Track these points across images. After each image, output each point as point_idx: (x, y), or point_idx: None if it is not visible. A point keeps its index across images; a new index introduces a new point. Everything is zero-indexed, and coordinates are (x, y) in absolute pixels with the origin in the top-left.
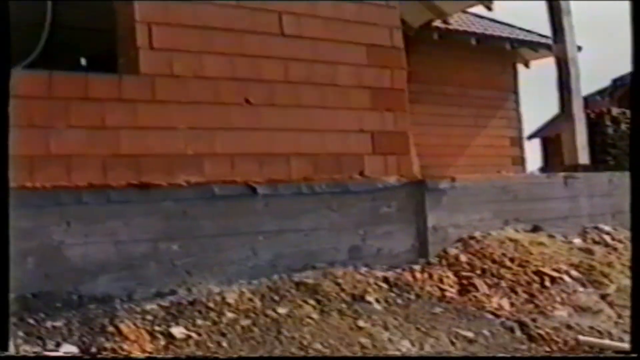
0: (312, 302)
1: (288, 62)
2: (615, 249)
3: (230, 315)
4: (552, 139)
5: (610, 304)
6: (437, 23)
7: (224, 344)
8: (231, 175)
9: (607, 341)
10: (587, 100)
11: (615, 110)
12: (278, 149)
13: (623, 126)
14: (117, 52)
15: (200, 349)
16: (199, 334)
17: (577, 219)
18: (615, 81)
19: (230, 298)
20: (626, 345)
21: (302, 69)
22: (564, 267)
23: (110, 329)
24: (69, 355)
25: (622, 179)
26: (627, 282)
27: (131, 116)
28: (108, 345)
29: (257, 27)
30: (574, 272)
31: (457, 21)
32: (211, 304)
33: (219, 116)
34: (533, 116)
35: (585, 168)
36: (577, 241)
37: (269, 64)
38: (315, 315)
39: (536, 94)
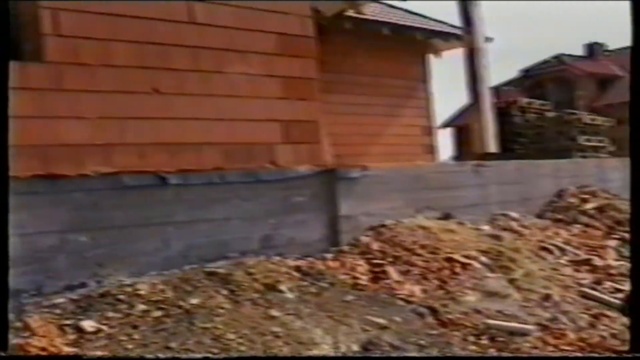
0: (224, 292)
1: (199, 51)
2: (522, 235)
3: (141, 307)
4: (463, 127)
5: (517, 288)
6: (351, 12)
7: (136, 336)
8: (142, 166)
9: (513, 324)
10: (498, 90)
11: (523, 100)
12: (189, 138)
13: (531, 115)
14: (20, 38)
15: (111, 341)
16: (110, 327)
17: (486, 206)
18: (523, 71)
19: (142, 289)
20: (530, 327)
21: (213, 57)
22: (474, 254)
23: (18, 324)
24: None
25: (530, 167)
26: (532, 267)
27: (37, 105)
28: (16, 341)
29: (168, 15)
30: (483, 258)
31: (371, 11)
32: (122, 296)
33: (129, 105)
34: (446, 105)
35: (494, 156)
36: (486, 228)
37: (179, 52)
38: (227, 305)
39: (449, 84)
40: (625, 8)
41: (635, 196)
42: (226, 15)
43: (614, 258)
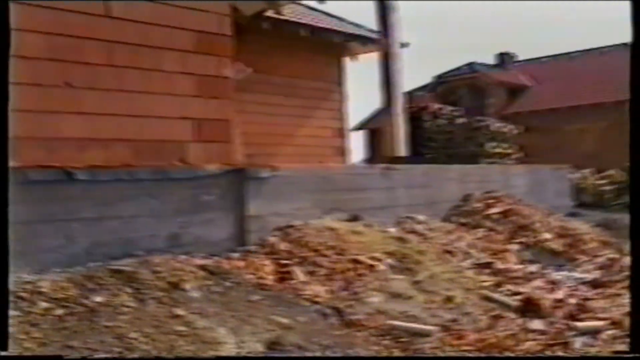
0: (128, 290)
1: (113, 45)
2: (427, 238)
3: (43, 304)
4: (376, 131)
5: (421, 290)
6: (270, 13)
7: (36, 334)
8: (49, 160)
9: (416, 325)
10: (411, 95)
11: (435, 106)
12: (99, 134)
13: (442, 121)
14: None
15: (10, 340)
16: (10, 325)
17: (394, 209)
18: (437, 77)
19: (44, 287)
20: (432, 328)
21: (127, 52)
22: (380, 255)
23: None
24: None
25: (438, 171)
26: (437, 269)
27: None
28: None
29: (82, 7)
30: (388, 260)
31: (290, 12)
32: (23, 294)
33: (37, 98)
34: (361, 108)
35: (404, 160)
36: (393, 230)
37: (93, 46)
38: (132, 304)
39: (365, 87)
40: (534, 21)
41: (635, 198)
42: (143, 11)
43: (515, 262)
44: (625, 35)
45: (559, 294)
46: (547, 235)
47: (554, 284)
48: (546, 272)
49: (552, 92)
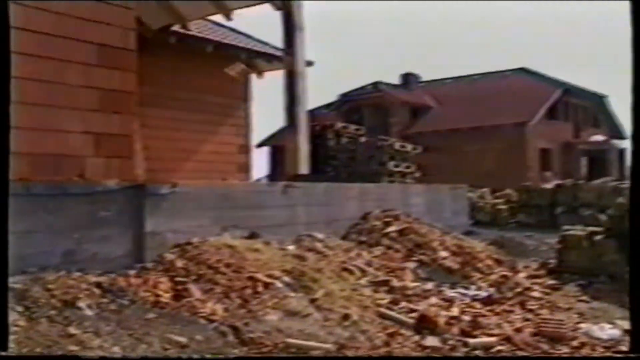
0: (19, 308)
1: (13, 56)
2: (326, 256)
3: None
4: (279, 148)
5: (318, 308)
6: (177, 27)
7: None
8: None
9: (312, 343)
10: (316, 113)
11: (338, 124)
12: None
13: (345, 139)
14: None
15: None
16: None
17: (293, 227)
18: (342, 96)
19: None
20: (329, 346)
21: (27, 64)
22: (277, 273)
23: None
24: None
25: (338, 190)
26: (334, 287)
27: None
28: None
29: None
30: (286, 278)
31: (197, 27)
32: None
33: None
34: (265, 125)
35: (305, 178)
36: (292, 248)
37: None
38: (22, 323)
39: (269, 104)
40: (438, 43)
41: (635, 205)
42: (45, 21)
43: (411, 279)
44: (524, 60)
45: (454, 311)
46: (444, 254)
47: (449, 301)
48: (441, 289)
49: (454, 113)
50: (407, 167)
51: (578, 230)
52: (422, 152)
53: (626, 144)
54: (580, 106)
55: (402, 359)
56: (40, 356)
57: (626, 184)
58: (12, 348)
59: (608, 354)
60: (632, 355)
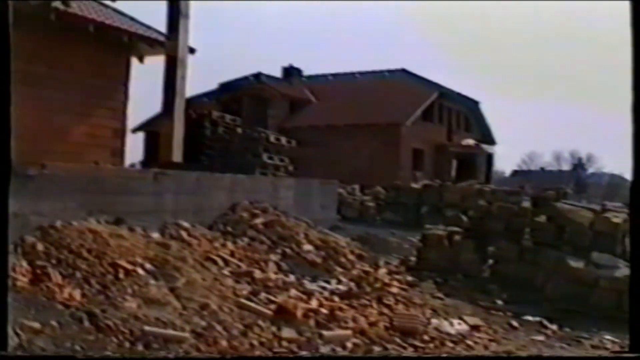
0: None
1: None
2: (190, 245)
3: None
4: (154, 134)
5: (178, 297)
6: (57, 4)
7: None
8: None
9: (169, 331)
10: (194, 101)
11: (215, 114)
12: None
13: (221, 129)
14: None
15: None
16: None
17: (160, 214)
18: (222, 85)
19: None
20: (186, 334)
21: None
22: (140, 260)
23: None
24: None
25: (209, 180)
26: (196, 276)
27: None
28: None
29: None
30: (148, 265)
31: (78, 6)
32: None
33: None
34: (142, 109)
35: (179, 166)
36: (156, 235)
37: None
38: None
39: (148, 88)
40: (322, 38)
41: (635, 200)
42: None
43: (274, 271)
44: (404, 62)
45: (312, 304)
46: (308, 247)
47: (309, 294)
48: (303, 282)
49: (332, 109)
50: (281, 160)
51: (439, 230)
52: (298, 146)
53: (494, 149)
54: (454, 110)
55: (402, 359)
56: (40, 356)
57: (490, 187)
58: None
59: (459, 348)
60: (632, 355)
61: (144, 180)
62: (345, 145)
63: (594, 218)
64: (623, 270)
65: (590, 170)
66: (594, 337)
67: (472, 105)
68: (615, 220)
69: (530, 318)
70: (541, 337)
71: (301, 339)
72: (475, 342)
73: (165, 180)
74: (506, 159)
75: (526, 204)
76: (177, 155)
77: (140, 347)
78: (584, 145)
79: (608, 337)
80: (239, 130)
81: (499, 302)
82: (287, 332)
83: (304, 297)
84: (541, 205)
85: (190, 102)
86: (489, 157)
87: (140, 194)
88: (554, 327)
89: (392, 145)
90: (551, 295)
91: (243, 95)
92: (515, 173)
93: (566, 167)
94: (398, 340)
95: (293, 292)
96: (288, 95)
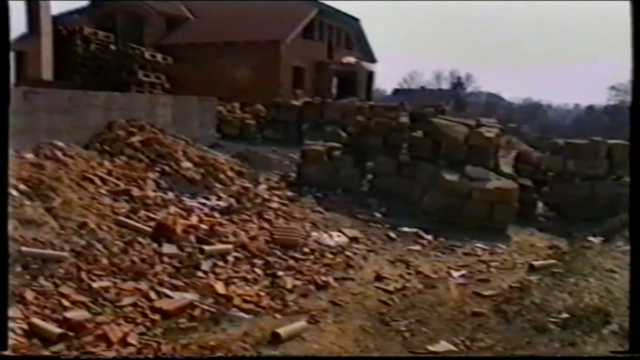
0: None
1: None
2: (65, 164)
3: None
4: (22, 53)
5: (55, 217)
6: None
7: None
8: None
9: (48, 251)
10: (64, 19)
11: (87, 30)
12: None
13: (94, 46)
14: None
15: None
16: None
17: (34, 134)
18: (94, 1)
19: None
20: (65, 254)
21: None
22: (13, 181)
23: None
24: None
25: (83, 97)
26: (73, 195)
27: None
28: None
29: None
30: (22, 186)
31: None
32: None
33: None
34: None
35: (50, 84)
36: (30, 156)
37: None
38: None
39: (15, 5)
40: None
41: (635, 199)
42: None
43: (153, 189)
44: None
45: (192, 220)
46: (187, 164)
47: (188, 211)
48: (182, 199)
49: (210, 27)
50: (157, 78)
51: (318, 146)
52: (175, 63)
53: (375, 67)
54: (334, 27)
55: (402, 359)
56: (40, 356)
57: (370, 104)
58: None
59: (338, 259)
60: (632, 355)
61: (13, 99)
62: (224, 63)
63: (469, 133)
64: (494, 182)
65: (469, 89)
66: (466, 245)
67: (352, 23)
68: (488, 134)
69: (407, 229)
70: (417, 247)
71: (182, 254)
72: (355, 253)
73: (37, 99)
74: (388, 77)
75: (404, 120)
76: (46, 73)
77: (18, 269)
78: (463, 66)
79: (479, 245)
80: (113, 47)
81: (378, 215)
82: (168, 248)
83: (184, 213)
84: (419, 121)
85: (60, 19)
86: (370, 75)
87: (10, 114)
88: (430, 237)
89: (272, 63)
90: (427, 207)
91: (117, 12)
92: (396, 91)
93: (446, 86)
94: (279, 253)
95: (172, 209)
96: (164, 12)
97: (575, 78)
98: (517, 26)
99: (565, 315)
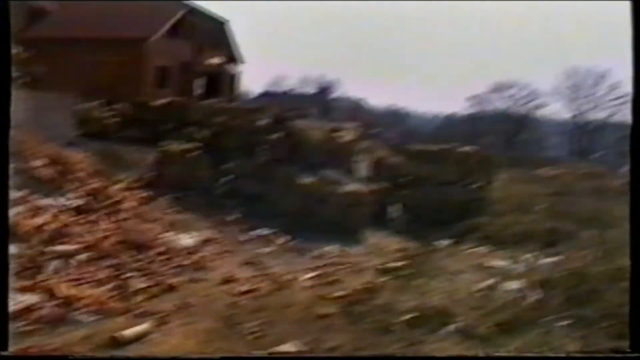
0: None
1: None
2: None
3: None
4: None
5: None
6: None
7: None
8: None
9: None
10: None
11: None
12: None
13: None
14: None
15: None
16: None
17: None
18: None
19: None
20: None
21: None
22: None
23: None
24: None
25: None
26: None
27: None
28: None
29: None
30: None
31: None
32: None
33: None
34: None
35: None
36: None
37: None
38: None
39: None
40: None
41: (635, 200)
42: None
43: None
44: None
45: (40, 220)
46: (38, 163)
47: (38, 210)
48: (32, 198)
49: (76, 22)
50: (15, 72)
51: (176, 146)
52: (36, 58)
53: (241, 69)
54: (202, 28)
55: (403, 359)
56: (40, 356)
57: (233, 105)
58: None
59: (190, 261)
60: (632, 354)
61: None
62: (87, 60)
63: (326, 137)
64: (350, 186)
65: (336, 94)
66: (319, 248)
67: (219, 25)
68: (346, 139)
69: (262, 231)
70: (270, 249)
71: (26, 255)
72: (207, 255)
73: None
74: (256, 80)
75: (265, 122)
76: None
77: None
78: (331, 71)
79: (332, 247)
80: None
81: (234, 216)
82: (13, 249)
83: (32, 213)
84: (279, 124)
85: None
86: (235, 77)
87: None
88: (283, 239)
89: (137, 61)
90: (284, 209)
91: None
92: (263, 94)
93: (313, 90)
94: (129, 253)
95: (20, 208)
96: (27, 3)
97: (438, 86)
98: (387, 33)
99: (410, 315)
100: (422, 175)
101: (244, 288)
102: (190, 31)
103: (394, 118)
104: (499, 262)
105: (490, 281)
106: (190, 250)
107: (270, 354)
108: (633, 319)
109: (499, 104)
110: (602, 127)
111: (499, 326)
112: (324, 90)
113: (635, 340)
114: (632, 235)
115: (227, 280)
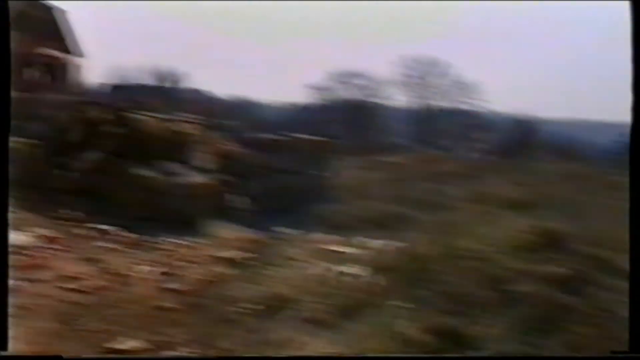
0: None
1: None
2: None
3: None
4: None
5: None
6: None
7: None
8: None
9: None
10: None
11: None
12: None
13: None
14: None
15: None
16: None
17: None
18: None
19: None
20: None
21: None
22: None
23: None
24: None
25: None
26: None
27: None
28: None
29: None
30: None
31: None
32: None
33: None
34: None
35: None
36: None
37: None
38: None
39: None
40: None
41: (635, 200)
42: None
43: None
44: None
45: None
46: None
47: None
48: None
49: None
50: None
51: (12, 142)
52: None
53: (82, 61)
54: (39, 18)
55: (408, 359)
56: (40, 356)
57: (75, 99)
58: None
59: (26, 260)
60: (632, 355)
61: None
62: None
63: (168, 128)
64: (191, 177)
65: (184, 85)
66: (163, 241)
67: (59, 15)
68: (186, 130)
69: (102, 227)
70: (112, 245)
71: None
72: (44, 253)
73: None
74: (100, 73)
75: (105, 116)
76: None
77: None
78: (181, 64)
79: (176, 240)
80: None
81: (75, 213)
82: None
83: None
84: (119, 117)
85: None
86: (75, 69)
87: None
88: (125, 234)
89: None
90: (125, 204)
91: None
92: (114, 88)
93: (166, 83)
94: None
95: None
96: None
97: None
98: (237, 22)
99: (254, 305)
100: (267, 165)
101: (83, 285)
102: (29, 22)
103: (242, 109)
104: (342, 248)
105: (333, 267)
106: (26, 249)
107: (114, 351)
108: (633, 319)
109: (343, 92)
110: (443, 114)
111: (341, 310)
112: (173, 81)
113: (635, 340)
114: (632, 235)
115: (64, 279)
